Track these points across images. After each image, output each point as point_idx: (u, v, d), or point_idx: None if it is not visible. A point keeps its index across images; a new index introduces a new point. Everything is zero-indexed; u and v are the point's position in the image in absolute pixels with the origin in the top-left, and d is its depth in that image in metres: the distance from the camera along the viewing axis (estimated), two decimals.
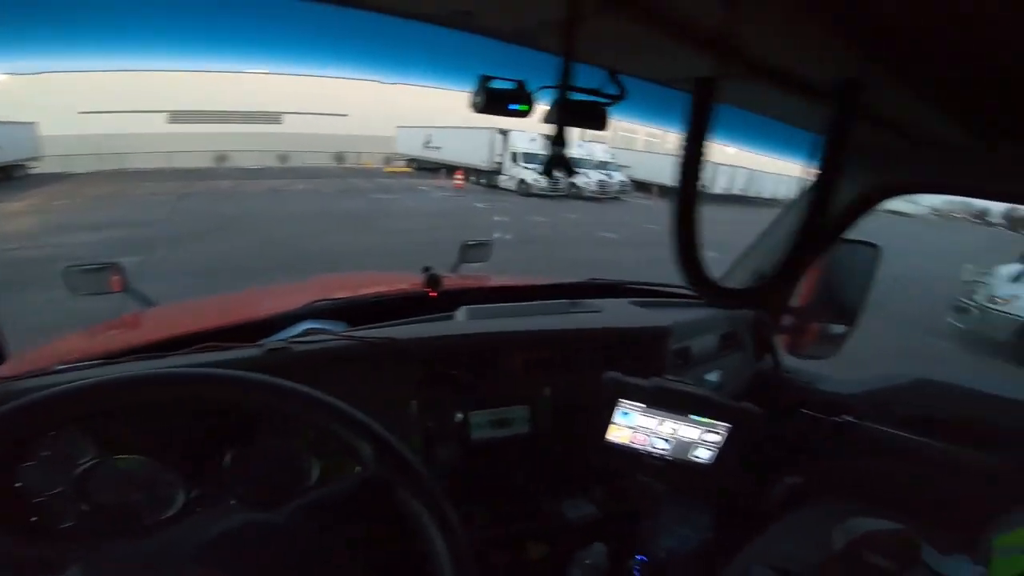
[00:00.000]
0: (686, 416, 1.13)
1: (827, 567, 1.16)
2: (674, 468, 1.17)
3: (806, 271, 1.63)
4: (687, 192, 0.63)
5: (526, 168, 19.46)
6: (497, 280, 1.88)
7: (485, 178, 21.89)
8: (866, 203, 1.48)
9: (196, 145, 25.13)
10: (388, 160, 29.92)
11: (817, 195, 0.67)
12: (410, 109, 26.14)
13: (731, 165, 24.20)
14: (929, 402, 1.53)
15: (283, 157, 27.98)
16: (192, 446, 0.81)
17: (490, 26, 0.80)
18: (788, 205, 1.71)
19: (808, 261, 1.59)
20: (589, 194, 20.10)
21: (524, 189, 19.35)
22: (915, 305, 7.54)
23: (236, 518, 0.61)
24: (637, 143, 28.82)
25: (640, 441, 1.16)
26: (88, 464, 0.74)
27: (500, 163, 21.49)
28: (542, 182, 19.11)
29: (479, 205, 16.25)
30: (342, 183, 20.39)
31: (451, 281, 1.54)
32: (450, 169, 23.05)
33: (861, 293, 1.60)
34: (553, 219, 14.30)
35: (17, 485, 0.69)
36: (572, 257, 9.36)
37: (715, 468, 1.16)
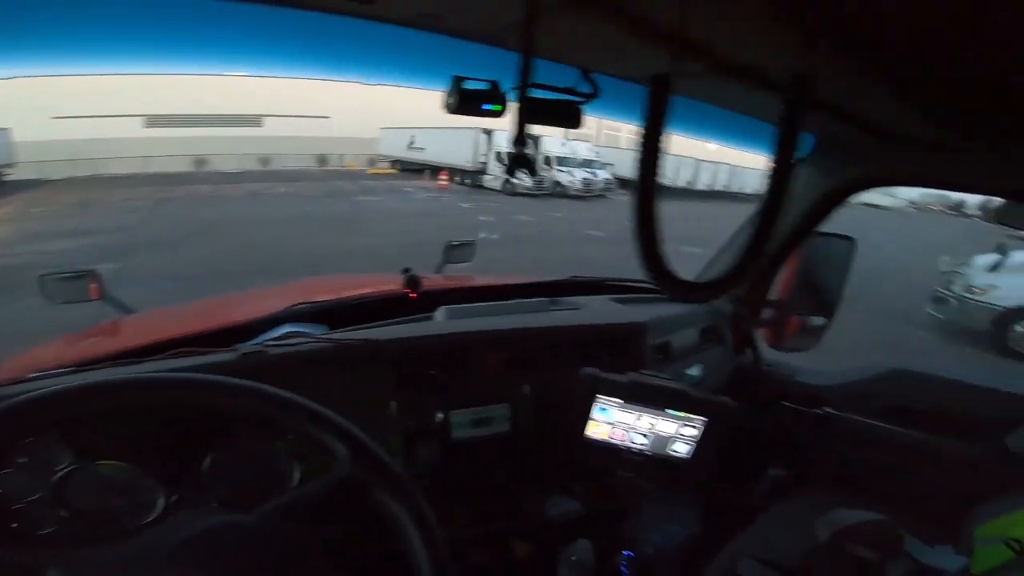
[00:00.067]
0: (663, 410, 1.14)
1: (812, 559, 1.18)
2: (653, 463, 1.18)
3: (777, 263, 1.66)
4: (646, 188, 0.63)
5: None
6: (478, 280, 1.88)
7: (470, 178, 21.86)
8: (838, 196, 1.51)
9: (174, 149, 24.80)
10: (372, 162, 29.74)
11: (773, 189, 0.68)
12: (393, 110, 26.03)
13: (714, 161, 24.46)
14: (907, 392, 1.56)
15: (264, 160, 27.69)
16: (170, 450, 0.81)
17: (458, 28, 0.80)
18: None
19: (776, 253, 1.62)
20: (574, 192, 20.18)
21: (509, 189, 19.35)
22: (894, 296, 7.68)
23: (213, 519, 0.61)
24: (621, 141, 28.95)
25: (619, 436, 1.17)
26: (65, 470, 0.74)
27: (484, 163, 21.46)
28: (527, 181, 19.15)
29: (464, 205, 16.22)
30: (325, 186, 20.22)
31: (431, 282, 1.54)
32: (434, 170, 22.98)
33: (838, 285, 1.63)
34: (539, 218, 14.30)
35: None
36: (558, 255, 9.38)
37: (693, 462, 1.17)
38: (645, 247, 0.65)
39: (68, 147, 22.44)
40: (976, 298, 6.19)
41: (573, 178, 20.68)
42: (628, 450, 1.18)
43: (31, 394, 0.60)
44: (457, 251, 2.05)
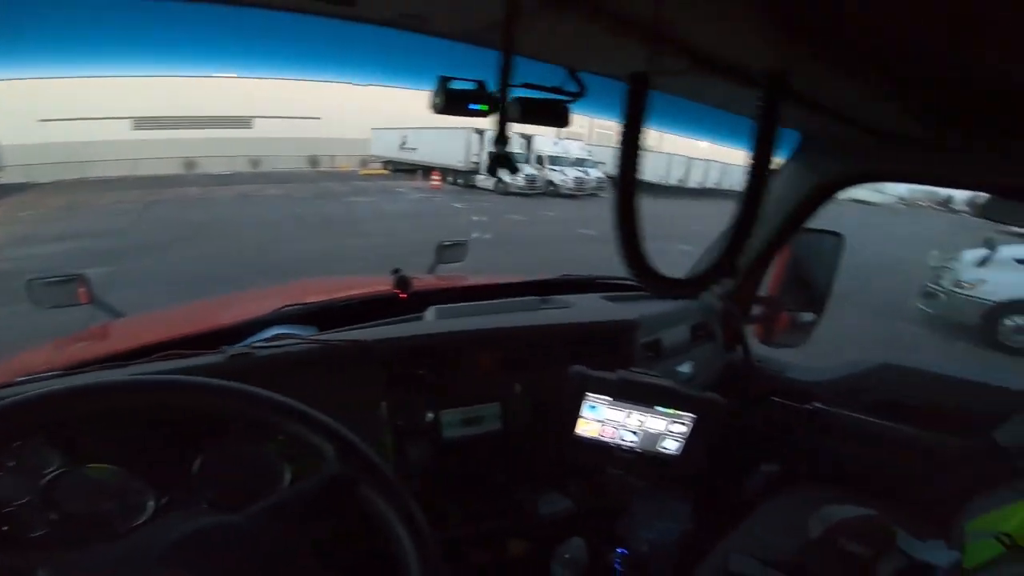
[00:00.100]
0: (652, 407, 1.15)
1: (805, 555, 1.19)
2: (643, 460, 1.19)
3: (765, 259, 1.67)
4: (626, 185, 0.64)
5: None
6: (469, 280, 1.88)
7: (463, 178, 21.82)
8: (825, 192, 1.52)
9: (163, 152, 24.53)
10: (364, 163, 29.59)
11: (752, 186, 0.68)
12: (385, 110, 25.88)
13: (705, 159, 24.56)
14: (895, 387, 1.57)
15: (254, 162, 27.48)
16: (159, 453, 0.81)
17: (442, 29, 0.80)
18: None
19: (765, 249, 1.63)
20: (567, 191, 20.20)
21: (502, 188, 19.34)
22: (884, 291, 7.74)
23: (202, 520, 0.61)
24: (613, 139, 28.86)
25: (609, 434, 1.18)
26: (54, 473, 0.74)
27: (477, 163, 21.42)
28: (519, 181, 19.17)
29: (457, 205, 16.19)
30: (316, 187, 20.09)
31: (421, 282, 1.54)
32: (427, 170, 22.93)
33: (826, 281, 1.65)
34: (532, 217, 14.31)
35: None
36: (551, 254, 9.38)
37: (683, 459, 1.18)
38: (626, 244, 0.66)
39: (55, 150, 22.20)
40: (965, 292, 6.24)
41: (566, 177, 20.70)
42: (618, 448, 1.18)
43: (16, 397, 0.60)
44: (449, 251, 2.05)
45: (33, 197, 16.50)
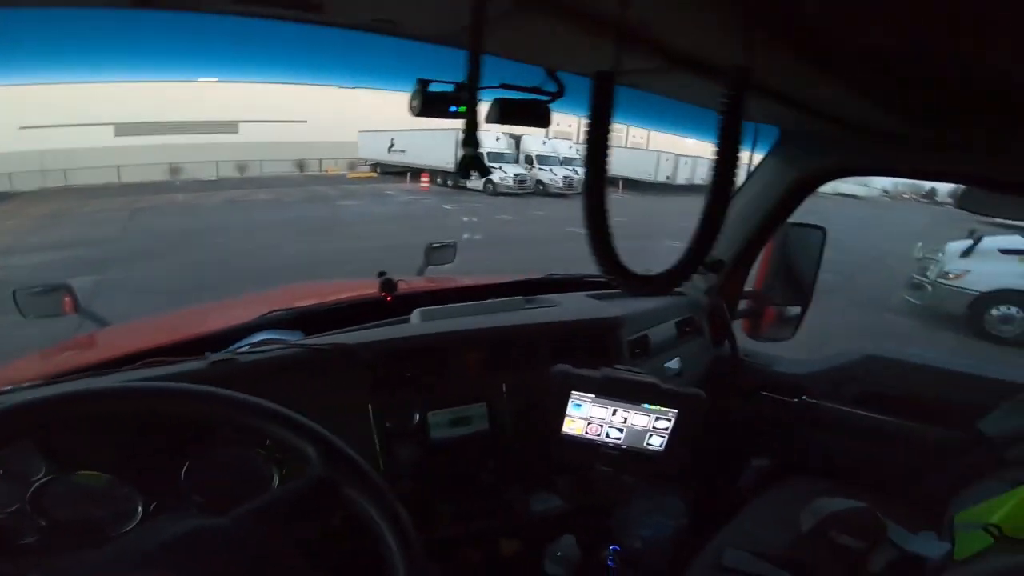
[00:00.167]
0: (636, 404, 1.16)
1: (797, 548, 1.20)
2: (629, 456, 1.19)
3: (750, 254, 1.68)
4: (596, 182, 0.64)
5: (492, 167, 19.43)
6: (455, 281, 1.88)
7: (452, 179, 21.81)
8: (806, 186, 1.54)
9: (148, 158, 24.28)
10: (352, 166, 29.46)
11: (719, 180, 0.69)
12: (372, 114, 25.73)
13: (692, 156, 24.66)
14: (882, 379, 1.58)
15: (241, 167, 27.24)
16: (147, 458, 0.81)
17: (414, 32, 0.80)
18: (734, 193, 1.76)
19: (749, 244, 1.64)
20: (556, 190, 20.25)
21: (491, 189, 19.35)
22: (869, 283, 7.83)
23: (190, 523, 0.61)
24: None
25: (594, 432, 1.18)
26: (43, 480, 0.74)
27: None
28: (509, 181, 19.18)
29: (447, 207, 16.18)
30: (305, 191, 19.99)
31: (407, 285, 1.54)
32: (416, 172, 22.87)
33: (811, 275, 1.66)
34: (521, 217, 14.32)
35: None
36: (540, 253, 9.40)
37: (666, 454, 1.19)
38: (596, 242, 0.66)
39: (38, 158, 21.90)
40: (951, 283, 6.32)
41: (555, 176, 20.76)
42: (604, 445, 1.19)
43: (1, 406, 0.59)
44: (438, 253, 2.03)
45: (16, 206, 16.29)
